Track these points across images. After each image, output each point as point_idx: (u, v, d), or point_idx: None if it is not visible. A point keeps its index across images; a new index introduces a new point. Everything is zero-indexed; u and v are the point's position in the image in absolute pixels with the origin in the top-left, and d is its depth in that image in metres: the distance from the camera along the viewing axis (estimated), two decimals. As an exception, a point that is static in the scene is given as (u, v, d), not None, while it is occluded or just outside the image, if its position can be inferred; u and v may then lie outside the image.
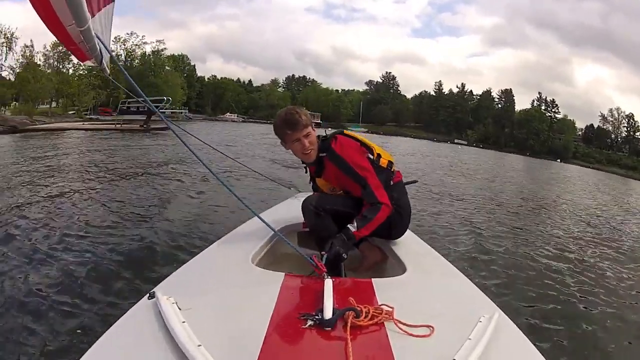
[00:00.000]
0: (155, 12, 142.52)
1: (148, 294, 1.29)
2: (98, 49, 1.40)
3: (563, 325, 3.01)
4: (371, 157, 2.04)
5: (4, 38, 34.96)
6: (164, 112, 35.70)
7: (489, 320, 1.21)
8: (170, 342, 1.02)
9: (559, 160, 69.77)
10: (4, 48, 35.24)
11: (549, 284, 4.02)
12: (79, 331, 2.33)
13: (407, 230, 2.27)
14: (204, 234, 4.35)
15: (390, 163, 2.13)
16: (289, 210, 2.38)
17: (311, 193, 2.31)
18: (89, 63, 1.68)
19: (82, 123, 27.78)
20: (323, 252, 1.74)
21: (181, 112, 46.98)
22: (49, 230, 4.18)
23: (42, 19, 1.21)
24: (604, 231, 8.25)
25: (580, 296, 3.83)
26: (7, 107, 34.06)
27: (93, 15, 1.39)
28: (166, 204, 5.78)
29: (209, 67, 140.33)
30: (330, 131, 2.13)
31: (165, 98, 35.14)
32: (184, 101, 50.34)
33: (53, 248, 3.66)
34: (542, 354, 1.14)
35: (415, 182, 3.20)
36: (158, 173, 9.04)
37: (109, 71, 1.68)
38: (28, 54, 36.40)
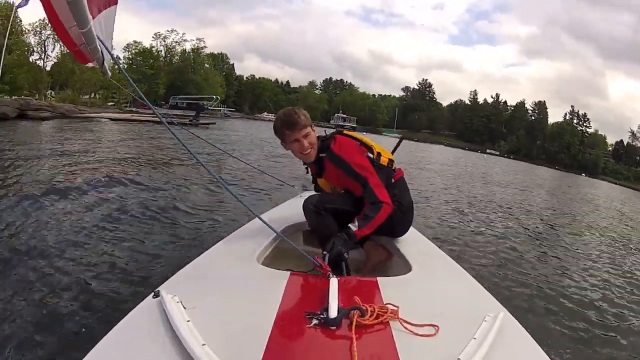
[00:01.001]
0: (195, 10, 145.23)
1: (153, 293, 1.28)
2: (100, 50, 1.37)
3: (569, 326, 2.93)
4: (371, 156, 2.04)
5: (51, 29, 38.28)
6: (209, 108, 38.23)
7: (494, 319, 1.20)
8: (174, 341, 1.03)
9: (583, 174, 69.45)
10: (52, 39, 38.32)
11: (556, 286, 3.98)
12: (83, 329, 2.32)
13: (412, 228, 2.29)
14: (210, 232, 4.31)
15: (391, 161, 2.13)
16: (295, 209, 2.31)
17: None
18: (90, 65, 1.66)
19: (130, 115, 29.69)
20: (325, 252, 1.75)
21: (219, 110, 47.70)
22: (55, 227, 4.13)
23: (48, 21, 1.24)
24: (617, 238, 8.69)
25: (587, 298, 3.78)
26: (50, 95, 36.83)
27: (94, 17, 1.38)
28: (173, 202, 5.65)
29: (247, 66, 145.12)
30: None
31: (214, 97, 38.63)
32: (222, 99, 52.66)
33: (56, 246, 3.62)
34: (548, 354, 1.13)
35: (402, 139, 3.40)
36: (175, 165, 9.23)
37: (110, 74, 1.67)
38: None
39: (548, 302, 3.28)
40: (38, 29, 37.90)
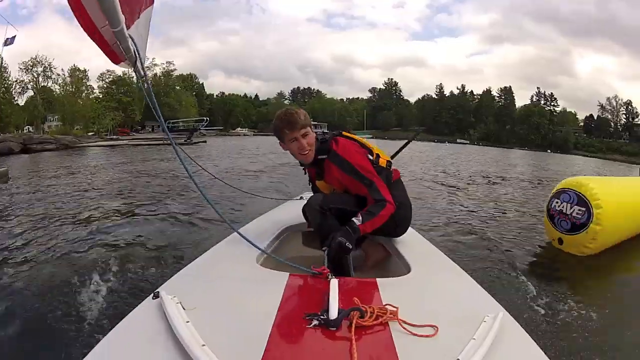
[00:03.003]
0: (158, 30, 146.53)
1: (152, 294, 1.29)
2: (132, 49, 1.39)
3: (569, 326, 2.83)
4: (371, 157, 2.05)
5: (42, 67, 39.72)
6: (201, 129, 40.90)
7: (494, 320, 1.21)
8: (174, 342, 1.03)
9: (548, 151, 70.98)
10: (41, 77, 39.98)
11: (555, 283, 3.62)
12: (83, 330, 2.31)
13: (411, 229, 2.29)
14: (210, 234, 4.27)
15: (389, 162, 2.15)
16: (295, 210, 2.28)
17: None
18: (123, 65, 1.66)
19: (127, 140, 31.78)
20: (324, 248, 1.75)
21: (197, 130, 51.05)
22: (56, 227, 4.35)
23: (79, 23, 1.24)
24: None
25: (589, 295, 3.47)
26: (46, 128, 37.90)
27: (137, 18, 1.46)
28: (172, 205, 5.79)
29: (212, 83, 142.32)
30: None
31: (205, 118, 40.77)
32: (197, 118, 54.47)
33: (56, 246, 3.74)
34: (547, 355, 1.13)
35: (408, 142, 3.25)
36: (171, 178, 10.05)
37: (143, 73, 1.64)
38: (61, 81, 41.03)
39: (549, 303, 3.15)
40: (30, 66, 39.29)
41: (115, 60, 1.59)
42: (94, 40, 1.39)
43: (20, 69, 38.79)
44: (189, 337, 1.02)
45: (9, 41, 28.28)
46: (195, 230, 4.54)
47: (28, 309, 2.58)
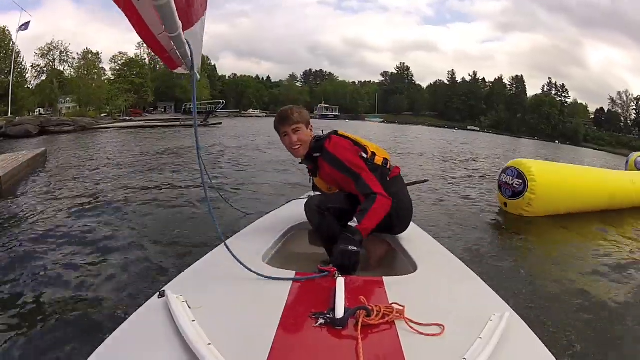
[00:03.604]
0: None
1: (158, 293, 1.29)
2: (189, 54, 1.36)
3: (576, 325, 2.78)
4: (365, 155, 2.04)
5: (59, 52, 41.62)
6: (217, 111, 43.42)
7: (500, 319, 1.20)
8: (180, 341, 1.03)
9: (556, 141, 70.82)
10: (58, 61, 41.85)
11: (565, 283, 3.62)
12: (88, 329, 2.31)
13: (417, 227, 2.33)
14: (215, 232, 4.05)
15: (386, 160, 2.13)
16: (301, 209, 2.21)
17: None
18: (180, 70, 1.68)
19: (143, 122, 31.99)
20: (330, 264, 1.66)
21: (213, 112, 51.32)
22: (59, 224, 4.27)
23: (135, 30, 1.23)
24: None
25: (597, 295, 3.39)
26: (61, 109, 39.23)
27: (195, 23, 1.45)
28: (179, 201, 5.69)
29: (222, 65, 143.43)
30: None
31: (221, 101, 43.46)
32: (213, 101, 55.41)
33: (61, 244, 3.72)
34: (553, 354, 1.13)
35: (425, 181, 3.22)
36: (184, 164, 9.60)
37: (199, 77, 1.58)
38: (77, 64, 42.46)
39: (557, 303, 3.13)
40: (46, 51, 41.31)
41: (172, 66, 1.65)
42: (150, 47, 1.41)
43: (36, 54, 40.93)
44: (195, 336, 1.02)
45: (23, 27, 29.29)
46: (202, 228, 4.34)
47: (32, 307, 2.57)
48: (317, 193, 2.28)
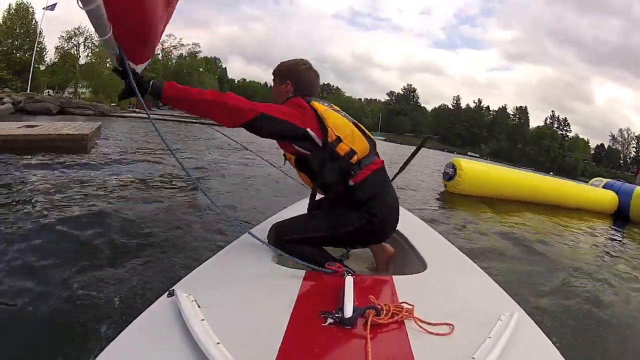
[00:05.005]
0: (181, 10, 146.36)
1: (167, 292, 1.29)
2: (124, 58, 1.39)
3: (586, 326, 2.85)
4: (311, 133, 1.59)
5: (83, 38, 42.65)
6: None
7: (510, 318, 1.20)
8: (189, 340, 1.03)
9: (551, 173, 71.45)
10: (82, 46, 42.98)
11: (575, 283, 3.81)
12: (97, 328, 2.25)
13: (427, 226, 2.27)
14: (225, 231, 4.14)
15: (352, 152, 1.62)
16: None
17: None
18: (141, 66, 1.68)
19: (158, 116, 31.82)
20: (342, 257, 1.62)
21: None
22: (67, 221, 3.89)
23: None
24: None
25: (607, 297, 3.57)
26: (75, 93, 41.29)
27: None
28: (189, 201, 5.51)
29: (231, 68, 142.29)
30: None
31: None
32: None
33: (68, 240, 3.46)
34: (563, 355, 1.12)
35: (424, 143, 2.83)
36: (193, 162, 9.13)
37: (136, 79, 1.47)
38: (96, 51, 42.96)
39: (566, 302, 3.23)
40: (72, 35, 42.35)
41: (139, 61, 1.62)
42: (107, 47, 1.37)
43: (62, 36, 41.73)
44: (204, 335, 1.00)
45: (50, 7, 29.51)
46: (211, 227, 4.29)
47: (39, 306, 2.45)
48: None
